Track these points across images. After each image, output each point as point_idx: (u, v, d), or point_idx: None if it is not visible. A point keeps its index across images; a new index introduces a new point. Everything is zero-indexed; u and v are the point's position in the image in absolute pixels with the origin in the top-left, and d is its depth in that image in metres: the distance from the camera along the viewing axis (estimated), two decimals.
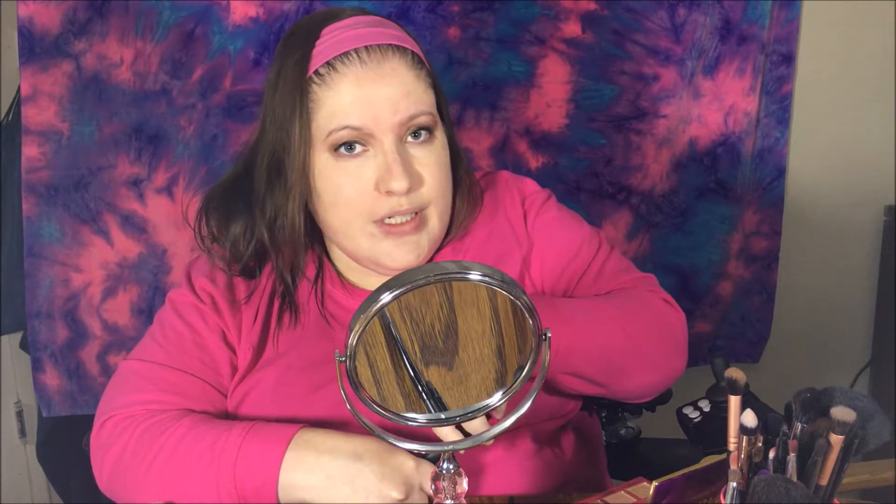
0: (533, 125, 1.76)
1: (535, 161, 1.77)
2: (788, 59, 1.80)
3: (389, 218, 0.91)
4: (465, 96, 1.72)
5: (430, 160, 0.92)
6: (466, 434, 0.79)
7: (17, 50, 1.56)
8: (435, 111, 0.93)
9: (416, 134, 0.91)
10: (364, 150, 0.90)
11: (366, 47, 0.89)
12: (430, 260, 0.99)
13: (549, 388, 0.94)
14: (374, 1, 1.63)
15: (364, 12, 0.95)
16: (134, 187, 1.66)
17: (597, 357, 0.91)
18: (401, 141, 0.90)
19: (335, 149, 0.90)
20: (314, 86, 0.90)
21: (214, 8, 1.61)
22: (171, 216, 1.67)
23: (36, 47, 1.55)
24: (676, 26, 1.72)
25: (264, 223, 0.95)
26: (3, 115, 1.70)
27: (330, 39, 0.91)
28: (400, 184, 0.88)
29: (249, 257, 0.97)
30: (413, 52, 0.92)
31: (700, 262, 1.86)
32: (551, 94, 1.74)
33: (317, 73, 0.90)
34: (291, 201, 0.93)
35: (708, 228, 1.85)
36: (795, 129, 1.86)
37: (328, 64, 0.89)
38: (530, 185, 1.07)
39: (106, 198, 1.65)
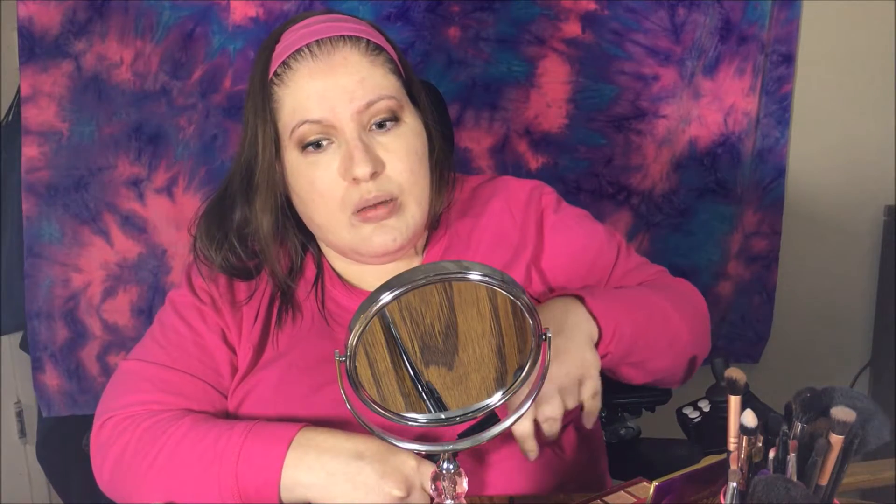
0: (533, 125, 1.76)
1: (535, 161, 1.77)
2: (788, 59, 1.80)
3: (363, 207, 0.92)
4: (465, 96, 1.72)
5: (398, 146, 0.92)
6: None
7: (17, 50, 1.56)
8: (400, 95, 0.93)
9: (381, 123, 0.91)
10: (330, 144, 0.91)
11: (317, 41, 0.90)
12: (432, 253, 1.01)
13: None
14: (374, 1, 1.63)
15: (328, 12, 0.96)
16: (134, 187, 1.66)
17: (656, 345, 0.97)
18: (364, 129, 0.91)
19: (303, 147, 0.91)
20: (274, 87, 0.92)
21: (214, 8, 1.61)
22: (170, 216, 1.67)
23: (36, 47, 1.55)
24: (676, 26, 1.72)
25: (234, 231, 0.96)
26: (3, 115, 1.70)
27: (287, 41, 0.93)
28: (362, 169, 0.88)
29: (231, 265, 0.97)
30: (368, 40, 0.92)
31: (700, 262, 1.86)
32: (551, 94, 1.74)
33: (275, 73, 0.92)
34: (258, 201, 0.94)
35: (708, 228, 1.85)
36: (795, 129, 1.86)
37: (284, 63, 0.91)
38: (544, 186, 1.08)
39: (106, 198, 1.65)
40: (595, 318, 0.91)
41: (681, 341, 1.00)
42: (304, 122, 0.90)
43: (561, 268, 1.02)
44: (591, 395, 0.90)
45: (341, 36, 0.91)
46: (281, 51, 0.92)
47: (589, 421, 0.91)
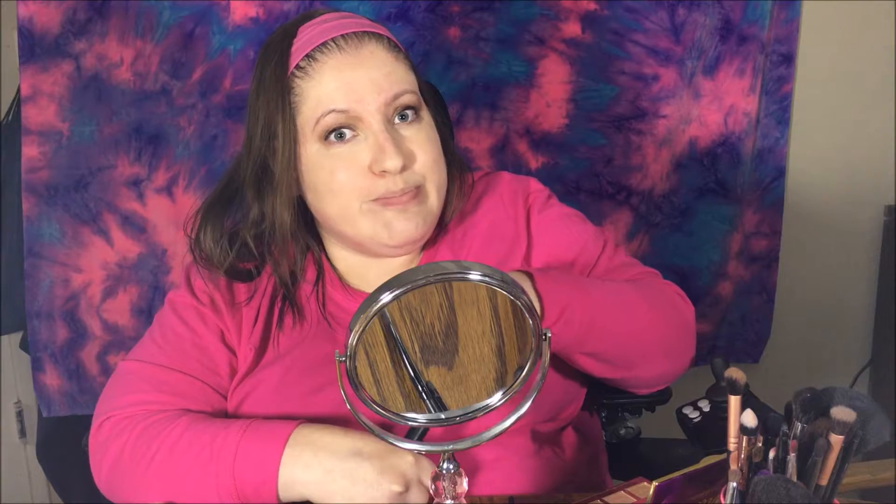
0: (533, 125, 1.76)
1: (535, 161, 1.77)
2: (788, 59, 1.80)
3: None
4: (465, 96, 1.72)
5: (421, 137, 0.93)
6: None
7: (17, 50, 1.56)
8: (418, 91, 0.95)
9: (403, 115, 0.93)
10: (354, 136, 0.91)
11: (342, 35, 0.91)
12: (430, 250, 1.01)
13: (564, 367, 0.96)
14: (374, 1, 1.63)
15: (337, 11, 0.97)
16: (134, 187, 1.66)
17: (616, 337, 0.93)
18: (389, 122, 0.91)
19: (325, 137, 0.91)
20: (296, 80, 0.92)
21: (214, 8, 1.61)
22: (171, 216, 1.67)
23: (36, 47, 1.55)
24: (676, 26, 1.72)
25: (247, 228, 0.96)
26: (3, 115, 1.70)
27: (306, 35, 0.93)
28: (394, 162, 0.89)
29: (233, 267, 0.97)
30: (388, 38, 0.94)
31: (700, 262, 1.86)
32: (551, 94, 1.74)
33: (298, 66, 0.92)
34: (279, 196, 0.94)
35: (708, 228, 1.85)
36: (795, 129, 1.86)
37: (308, 56, 0.91)
38: (533, 183, 1.08)
39: (106, 198, 1.65)
40: (540, 298, 0.87)
41: (649, 340, 0.96)
42: (331, 111, 0.90)
43: (549, 262, 1.01)
44: None
45: (365, 31, 0.92)
46: (301, 45, 0.92)
47: None
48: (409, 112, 0.93)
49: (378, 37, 0.93)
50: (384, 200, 0.92)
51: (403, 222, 0.93)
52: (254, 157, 0.95)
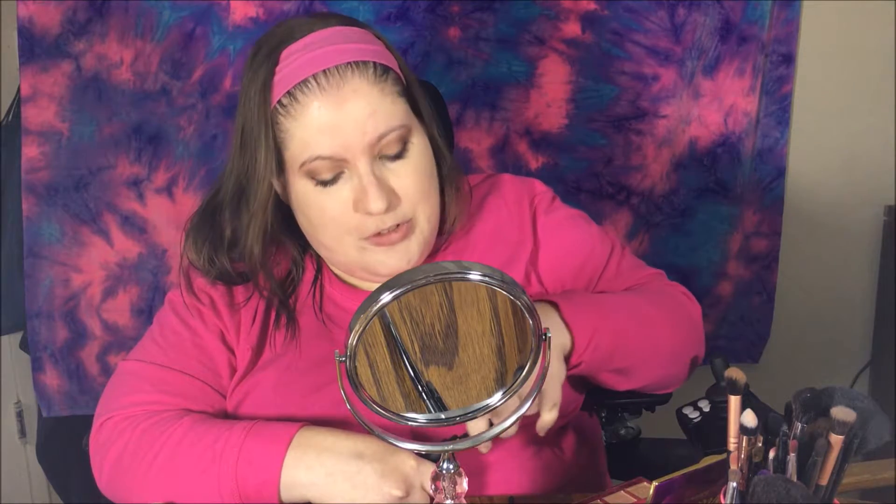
0: (533, 125, 1.76)
1: (535, 161, 1.77)
2: (788, 59, 1.80)
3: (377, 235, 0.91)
4: (465, 96, 1.72)
5: (408, 170, 0.91)
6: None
7: (17, 50, 1.56)
8: (407, 120, 0.91)
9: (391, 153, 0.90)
10: (340, 174, 0.90)
11: (324, 71, 0.87)
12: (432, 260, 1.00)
13: (582, 383, 0.98)
14: (374, 1, 1.63)
15: (323, 18, 0.92)
16: (134, 187, 1.66)
17: (637, 352, 0.95)
18: (375, 160, 0.89)
19: (312, 176, 0.90)
20: (280, 116, 0.89)
21: (214, 8, 1.61)
22: (171, 216, 1.67)
23: (36, 47, 1.55)
24: (676, 26, 1.72)
25: (223, 250, 0.95)
26: (3, 115, 1.70)
27: (288, 66, 0.88)
28: (377, 205, 0.88)
29: (225, 276, 0.97)
30: (374, 63, 0.89)
31: (700, 262, 1.86)
32: (551, 94, 1.74)
33: (280, 103, 0.88)
34: (252, 229, 0.93)
35: (708, 228, 1.85)
36: (795, 129, 1.86)
37: (289, 94, 0.88)
38: (538, 184, 1.07)
39: (106, 198, 1.65)
40: (569, 327, 0.89)
41: (666, 349, 0.99)
42: (316, 157, 0.88)
43: (552, 269, 1.02)
44: (549, 406, 0.86)
45: (348, 63, 0.87)
46: (283, 77, 0.88)
47: (542, 430, 0.87)
48: (397, 150, 0.90)
49: (363, 67, 0.87)
50: (375, 240, 0.91)
51: (395, 260, 0.92)
52: (236, 179, 0.94)
